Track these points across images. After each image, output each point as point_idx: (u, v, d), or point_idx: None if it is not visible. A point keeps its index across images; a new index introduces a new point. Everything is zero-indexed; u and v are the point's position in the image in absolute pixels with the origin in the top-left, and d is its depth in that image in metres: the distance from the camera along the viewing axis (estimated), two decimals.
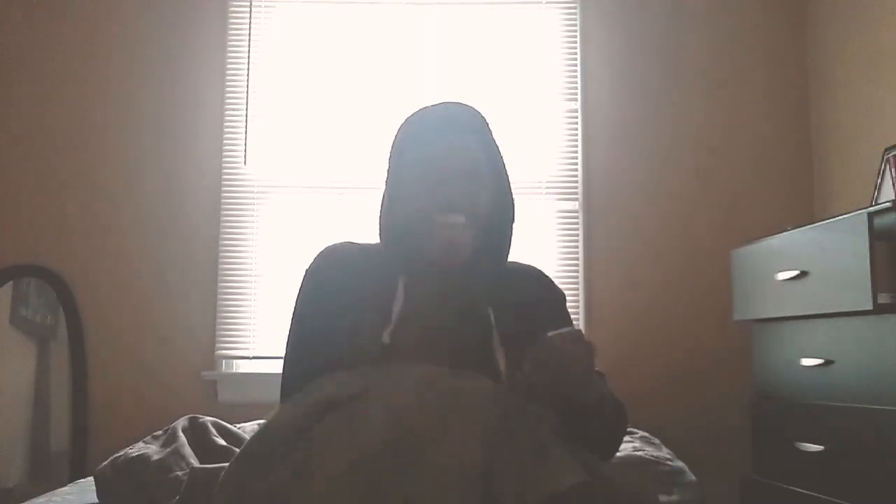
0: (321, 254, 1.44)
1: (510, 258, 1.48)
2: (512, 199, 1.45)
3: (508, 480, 1.03)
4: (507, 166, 1.46)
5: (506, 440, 1.07)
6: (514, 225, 1.46)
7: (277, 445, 1.14)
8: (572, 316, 2.88)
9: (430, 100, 1.47)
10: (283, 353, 1.40)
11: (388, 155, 1.46)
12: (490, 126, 1.45)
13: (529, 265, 1.53)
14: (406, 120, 1.45)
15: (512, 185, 1.47)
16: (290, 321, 1.42)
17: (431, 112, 1.43)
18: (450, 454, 1.04)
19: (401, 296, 1.35)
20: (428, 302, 1.37)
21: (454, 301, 1.39)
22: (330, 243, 1.45)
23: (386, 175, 1.46)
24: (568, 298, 2.86)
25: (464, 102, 1.45)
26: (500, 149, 1.46)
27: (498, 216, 1.43)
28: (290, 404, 1.23)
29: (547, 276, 1.52)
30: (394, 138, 1.46)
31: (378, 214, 1.45)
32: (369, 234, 1.48)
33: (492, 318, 1.38)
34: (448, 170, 1.37)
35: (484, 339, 1.36)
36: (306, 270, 1.44)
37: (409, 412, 1.09)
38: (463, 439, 1.05)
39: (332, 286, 1.38)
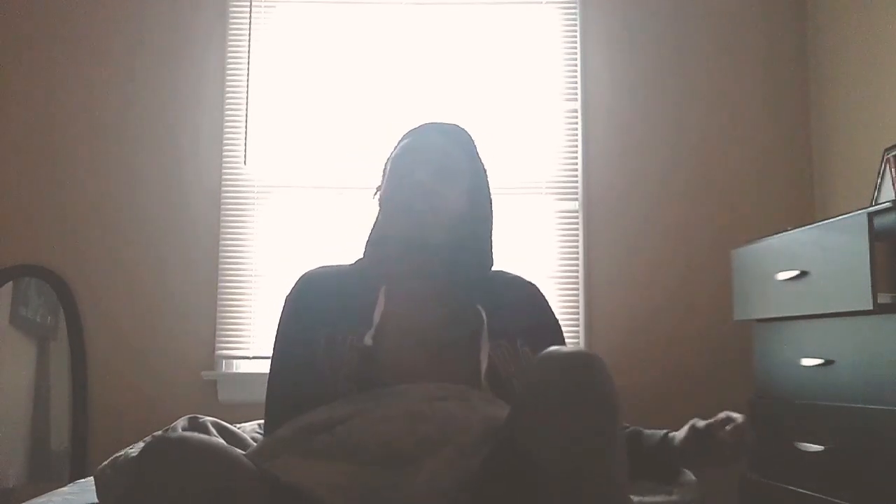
0: (300, 280, 1.45)
1: (497, 268, 1.52)
2: (491, 211, 1.50)
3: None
4: (488, 183, 1.52)
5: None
6: (493, 236, 1.51)
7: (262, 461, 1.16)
8: (572, 316, 2.90)
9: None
10: (266, 381, 1.41)
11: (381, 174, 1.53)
12: (476, 144, 1.51)
13: (517, 275, 1.56)
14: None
15: (492, 202, 1.52)
16: (272, 348, 1.43)
17: (422, 125, 1.52)
18: (436, 487, 1.07)
19: (382, 301, 1.37)
20: (411, 304, 1.38)
21: (438, 301, 1.40)
22: (307, 270, 1.47)
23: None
24: (568, 298, 2.89)
25: (456, 123, 1.53)
26: (485, 166, 1.52)
27: (477, 219, 1.47)
28: (279, 430, 1.23)
29: (534, 285, 1.55)
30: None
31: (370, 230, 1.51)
32: (352, 253, 1.52)
33: (483, 314, 1.39)
34: (428, 155, 1.44)
35: (472, 335, 1.37)
36: (286, 297, 1.45)
37: (397, 442, 1.12)
38: (452, 470, 1.08)
39: (312, 309, 1.39)
